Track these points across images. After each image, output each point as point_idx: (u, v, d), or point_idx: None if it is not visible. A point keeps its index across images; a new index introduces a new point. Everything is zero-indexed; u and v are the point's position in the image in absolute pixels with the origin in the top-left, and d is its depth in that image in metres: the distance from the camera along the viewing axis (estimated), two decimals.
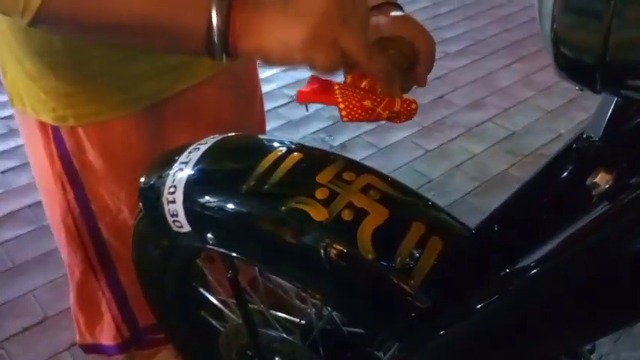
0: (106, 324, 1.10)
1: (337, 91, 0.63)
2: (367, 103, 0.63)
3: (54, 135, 0.89)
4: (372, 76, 0.64)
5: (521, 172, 1.98)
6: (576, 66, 0.35)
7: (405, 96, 0.67)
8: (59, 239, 1.04)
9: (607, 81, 0.34)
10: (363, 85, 0.65)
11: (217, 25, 0.56)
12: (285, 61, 0.58)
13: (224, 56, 0.58)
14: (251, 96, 1.08)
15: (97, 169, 0.91)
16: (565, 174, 0.50)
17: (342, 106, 0.63)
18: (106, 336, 1.11)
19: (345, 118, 0.63)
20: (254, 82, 1.10)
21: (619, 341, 1.42)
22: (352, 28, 0.57)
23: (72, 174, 0.92)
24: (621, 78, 0.35)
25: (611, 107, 0.43)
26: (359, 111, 0.63)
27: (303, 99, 0.65)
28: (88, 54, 0.80)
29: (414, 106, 0.65)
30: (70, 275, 1.07)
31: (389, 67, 0.65)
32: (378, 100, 0.63)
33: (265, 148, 0.67)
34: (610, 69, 0.33)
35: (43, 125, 0.89)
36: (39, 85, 0.83)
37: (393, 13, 0.72)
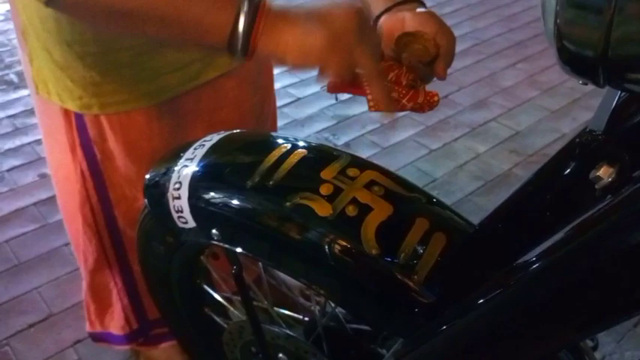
0: (115, 313, 1.12)
1: (365, 83, 0.67)
2: (393, 94, 0.67)
3: (77, 123, 0.91)
4: (398, 69, 0.69)
5: (525, 171, 1.98)
6: (579, 61, 0.36)
7: (428, 89, 0.71)
8: (73, 229, 1.05)
9: (610, 75, 0.35)
10: (390, 77, 0.68)
11: (243, 26, 0.59)
12: (300, 62, 0.62)
13: (242, 55, 0.61)
14: (268, 89, 1.11)
15: (117, 157, 0.93)
16: (568, 168, 0.50)
17: (369, 97, 0.66)
18: (115, 325, 1.13)
19: (372, 109, 0.68)
20: (271, 76, 1.13)
21: (622, 341, 1.42)
22: (366, 44, 0.62)
23: (92, 162, 0.94)
24: (624, 72, 0.35)
25: (614, 101, 0.43)
26: (385, 101, 0.66)
27: (333, 89, 0.69)
28: (117, 44, 0.82)
29: (435, 98, 0.69)
30: (84, 263, 1.08)
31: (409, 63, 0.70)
32: (404, 92, 0.68)
33: (270, 145, 0.67)
34: (612, 63, 0.34)
35: (66, 113, 0.90)
36: (67, 73, 0.85)
37: (417, 10, 0.75)
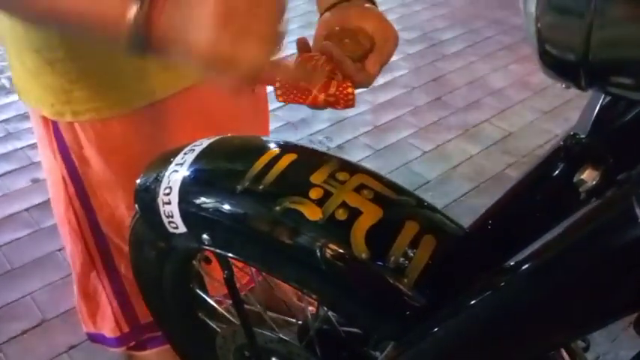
0: (106, 316, 1.11)
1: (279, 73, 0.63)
2: (302, 83, 0.63)
3: (54, 129, 0.89)
4: (317, 60, 0.65)
5: (518, 172, 1.97)
6: (561, 64, 0.36)
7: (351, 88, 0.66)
8: (64, 232, 1.05)
9: (591, 78, 0.35)
10: (307, 67, 0.65)
11: (137, 23, 0.53)
12: (206, 58, 0.55)
13: (145, 51, 0.56)
14: (258, 91, 1.08)
15: (94, 164, 0.91)
16: (554, 172, 0.51)
17: (277, 85, 0.63)
18: (107, 328, 1.13)
19: (279, 98, 0.64)
20: None
21: (617, 340, 1.42)
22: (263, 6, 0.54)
23: (71, 168, 0.93)
24: (605, 75, 0.35)
25: (598, 105, 0.44)
26: (294, 91, 0.63)
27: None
28: (85, 50, 0.79)
29: (350, 90, 0.64)
30: (73, 267, 1.08)
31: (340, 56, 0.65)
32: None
33: (260, 149, 0.67)
34: (593, 66, 0.34)
35: (45, 119, 0.89)
36: (38, 80, 0.84)
37: (363, 5, 0.73)
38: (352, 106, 0.66)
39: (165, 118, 0.91)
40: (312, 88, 0.63)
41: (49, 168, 0.97)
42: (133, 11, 0.53)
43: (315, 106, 0.65)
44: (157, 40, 0.55)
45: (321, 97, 0.63)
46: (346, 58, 0.66)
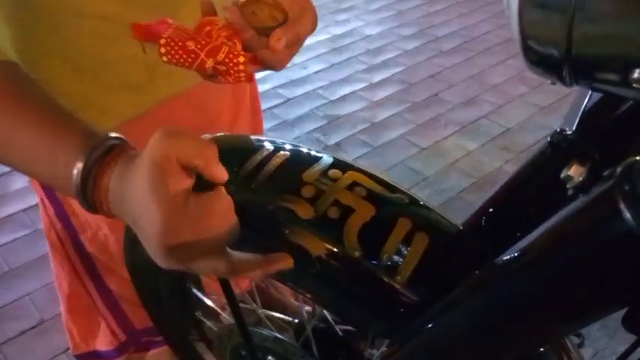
0: (101, 331, 1.10)
1: (169, 30, 0.58)
2: (190, 44, 0.57)
3: None
4: (216, 24, 0.60)
5: (516, 168, 1.99)
6: (545, 60, 0.36)
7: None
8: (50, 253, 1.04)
9: (575, 74, 0.35)
10: (206, 29, 0.59)
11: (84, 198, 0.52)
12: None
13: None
14: (241, 96, 1.06)
15: None
16: (543, 169, 0.51)
17: (162, 41, 0.57)
18: (102, 342, 1.11)
19: (163, 57, 0.58)
20: (244, 89, 1.05)
21: (615, 336, 1.42)
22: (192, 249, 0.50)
23: (48, 189, 0.92)
24: (588, 71, 0.35)
25: (585, 101, 0.44)
26: (180, 51, 0.57)
27: (136, 33, 0.59)
28: (42, 74, 0.74)
29: (241, 59, 0.58)
30: (59, 288, 1.07)
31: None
32: (203, 43, 0.57)
33: (252, 148, 0.67)
34: (576, 62, 0.34)
35: None
36: None
37: None
38: (246, 80, 0.59)
39: (134, 139, 0.87)
40: (200, 50, 0.57)
41: (33, 185, 0.96)
42: (76, 186, 0.51)
43: (204, 73, 0.59)
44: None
45: (209, 62, 0.57)
46: (248, 28, 0.59)
